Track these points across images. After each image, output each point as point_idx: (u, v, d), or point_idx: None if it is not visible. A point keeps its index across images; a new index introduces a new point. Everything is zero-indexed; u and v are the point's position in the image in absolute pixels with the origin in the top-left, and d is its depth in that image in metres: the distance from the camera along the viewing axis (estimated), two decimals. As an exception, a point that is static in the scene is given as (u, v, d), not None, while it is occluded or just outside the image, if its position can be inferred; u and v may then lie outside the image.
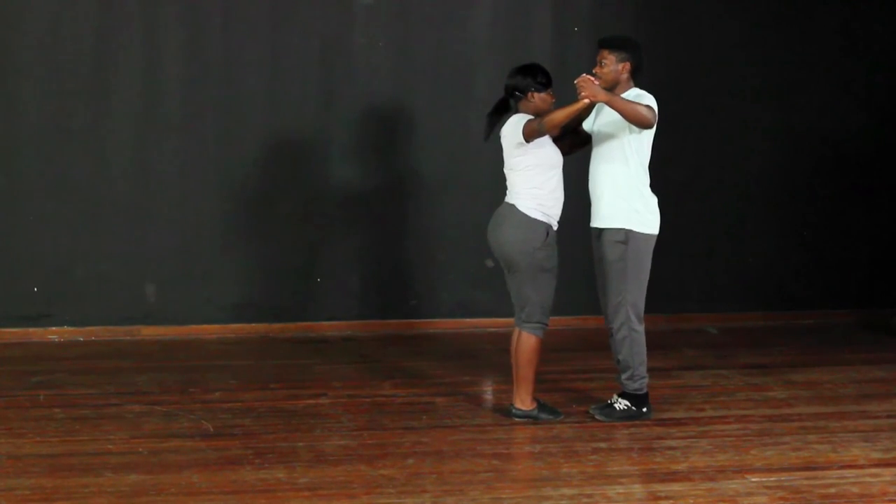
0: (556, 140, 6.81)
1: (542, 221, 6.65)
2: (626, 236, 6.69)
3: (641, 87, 6.79)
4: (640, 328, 6.80)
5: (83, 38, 9.00)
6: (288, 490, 5.70)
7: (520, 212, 6.68)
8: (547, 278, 6.70)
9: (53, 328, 9.02)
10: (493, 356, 8.53)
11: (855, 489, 5.79)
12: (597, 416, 6.85)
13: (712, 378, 8.02)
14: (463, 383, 7.83)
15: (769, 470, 6.06)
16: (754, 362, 8.50)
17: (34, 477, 5.82)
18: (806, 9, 9.99)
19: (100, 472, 5.88)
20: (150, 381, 7.75)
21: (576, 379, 7.84)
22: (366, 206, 9.43)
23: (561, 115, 6.59)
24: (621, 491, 5.75)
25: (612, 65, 6.74)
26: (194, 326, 9.18)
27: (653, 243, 6.78)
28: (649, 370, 6.93)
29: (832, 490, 5.78)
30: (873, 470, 6.08)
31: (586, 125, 6.90)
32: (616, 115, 6.61)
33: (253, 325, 9.28)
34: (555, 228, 6.72)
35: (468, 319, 9.58)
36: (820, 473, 6.02)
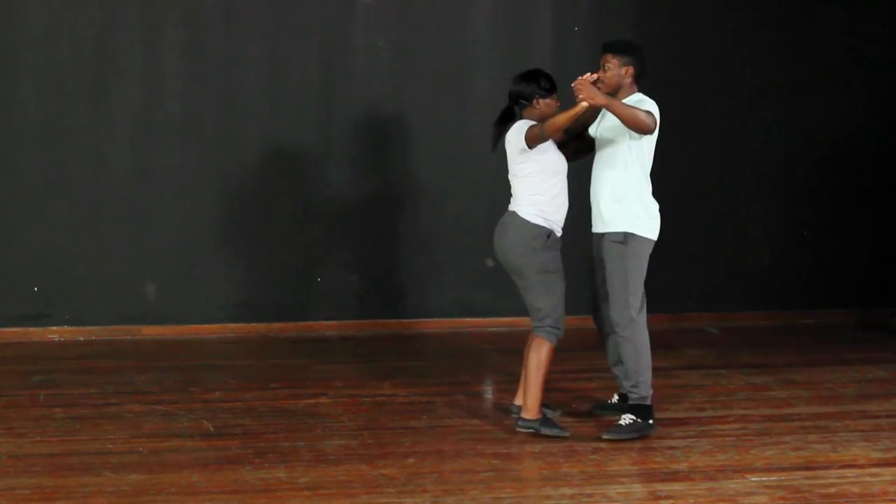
0: (560, 146, 6.72)
1: (542, 226, 6.58)
2: (626, 238, 6.65)
3: (643, 90, 6.76)
4: (644, 329, 6.72)
5: (83, 38, 9.01)
6: (288, 490, 5.69)
7: (521, 217, 6.60)
8: (553, 280, 6.60)
9: (53, 328, 9.02)
10: (493, 356, 8.52)
11: (855, 489, 5.79)
12: (605, 437, 6.54)
13: (713, 378, 8.02)
14: (463, 383, 7.83)
15: (769, 469, 6.06)
16: (754, 362, 8.50)
17: (34, 476, 5.82)
18: (806, 9, 9.98)
19: (100, 472, 5.88)
20: (150, 381, 7.76)
21: (576, 378, 7.83)
22: (366, 206, 9.42)
23: (562, 118, 6.49)
24: (621, 490, 5.75)
25: (615, 69, 6.65)
26: (194, 326, 9.18)
27: (650, 248, 6.69)
28: (649, 370, 6.91)
29: (832, 490, 5.78)
30: (873, 469, 6.08)
31: (590, 130, 6.84)
32: (617, 120, 6.54)
33: (253, 324, 9.28)
34: (558, 234, 6.65)
35: (468, 319, 9.58)
36: (820, 473, 6.01)
